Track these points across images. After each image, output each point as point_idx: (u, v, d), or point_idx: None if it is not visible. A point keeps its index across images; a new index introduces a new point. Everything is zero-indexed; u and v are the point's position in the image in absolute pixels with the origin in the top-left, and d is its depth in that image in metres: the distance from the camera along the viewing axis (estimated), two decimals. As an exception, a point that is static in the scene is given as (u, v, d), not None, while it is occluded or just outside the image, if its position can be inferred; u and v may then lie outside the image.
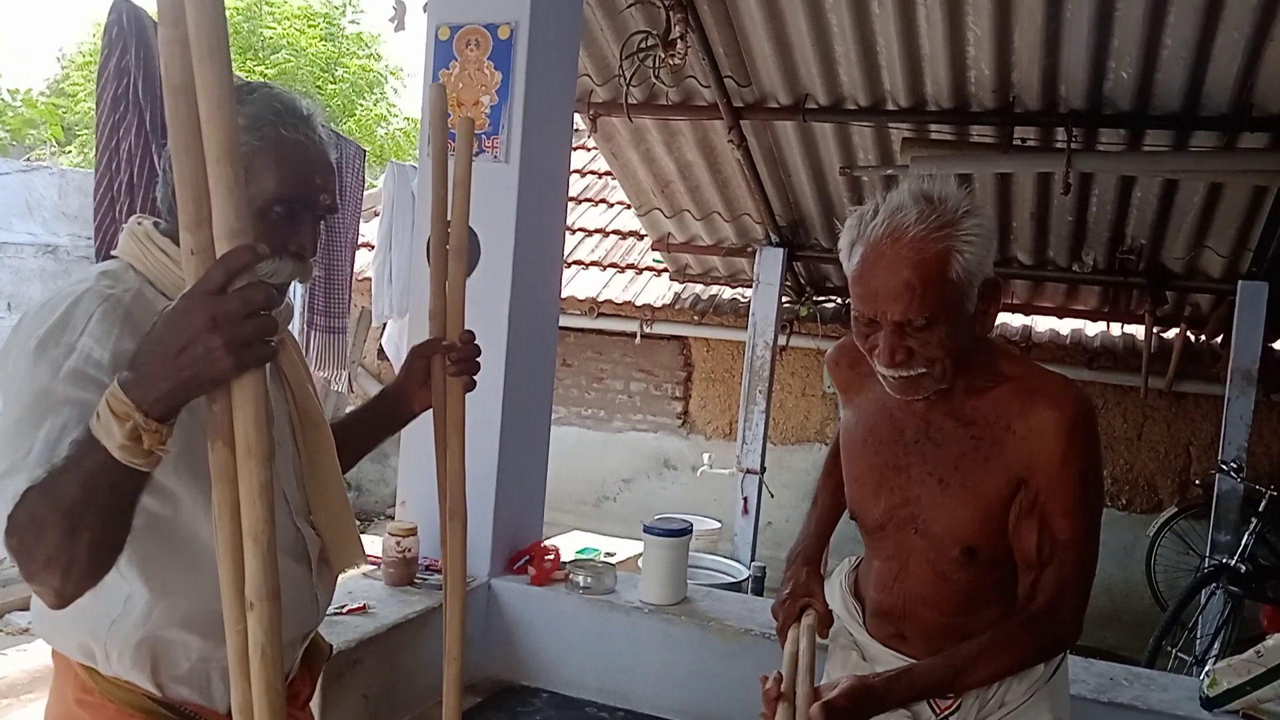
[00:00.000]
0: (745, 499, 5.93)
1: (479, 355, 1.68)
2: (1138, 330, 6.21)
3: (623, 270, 7.37)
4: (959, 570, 1.60)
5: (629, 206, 6.68)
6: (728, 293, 7.04)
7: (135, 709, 1.30)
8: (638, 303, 7.04)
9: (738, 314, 6.82)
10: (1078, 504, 1.52)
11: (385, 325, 5.11)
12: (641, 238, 7.22)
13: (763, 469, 5.95)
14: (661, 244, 6.44)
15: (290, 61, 13.26)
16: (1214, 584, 4.69)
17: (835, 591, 1.82)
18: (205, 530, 1.21)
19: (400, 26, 3.81)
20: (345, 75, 14.31)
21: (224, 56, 0.92)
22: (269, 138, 1.30)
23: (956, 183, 1.53)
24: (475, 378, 1.69)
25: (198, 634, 1.29)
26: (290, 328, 1.55)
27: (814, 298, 6.61)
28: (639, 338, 7.19)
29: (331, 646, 1.70)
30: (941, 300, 1.44)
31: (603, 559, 3.58)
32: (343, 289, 4.60)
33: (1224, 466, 5.29)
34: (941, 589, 1.62)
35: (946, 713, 1.64)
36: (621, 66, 4.39)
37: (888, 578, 1.69)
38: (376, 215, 5.71)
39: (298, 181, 1.32)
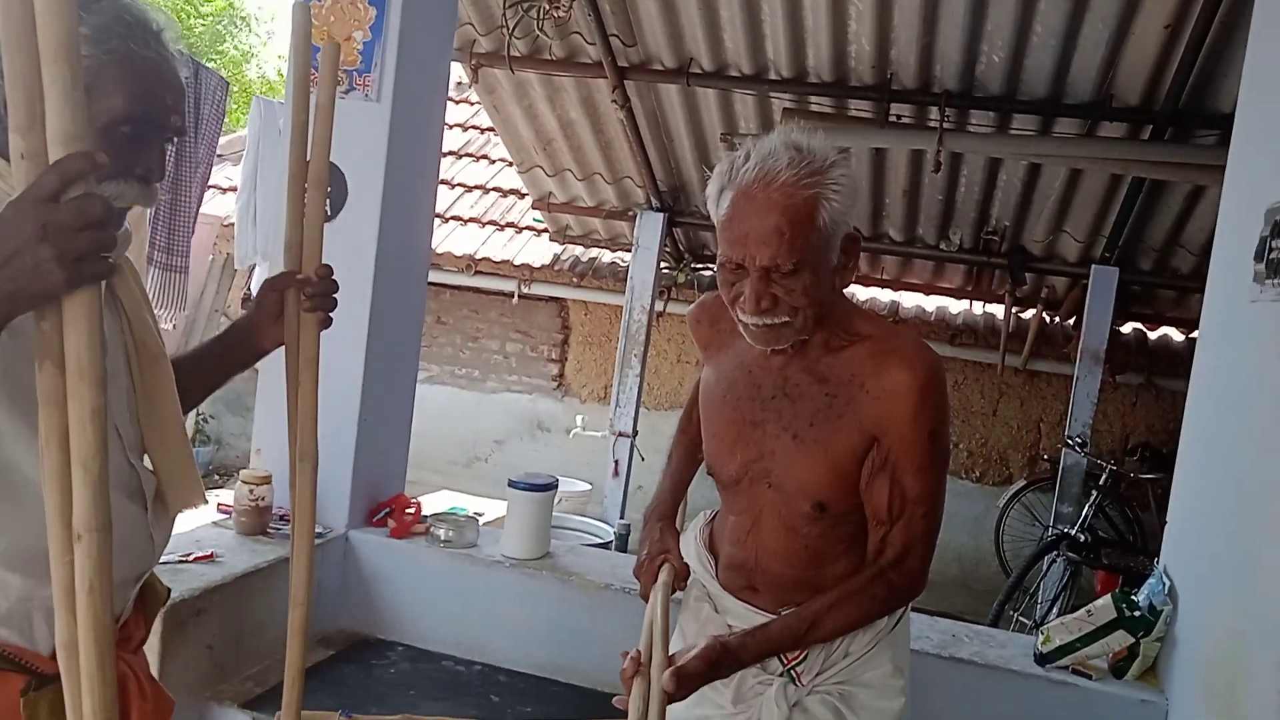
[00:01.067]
0: (616, 462, 5.96)
1: (336, 291, 1.59)
2: (998, 310, 6.46)
3: (502, 229, 7.27)
4: (809, 524, 1.63)
5: (510, 164, 6.59)
6: (607, 256, 7.03)
7: None
8: (516, 262, 6.96)
9: (617, 278, 6.82)
10: (927, 462, 1.56)
11: (253, 269, 4.92)
12: (522, 196, 7.14)
13: (635, 433, 5.99)
14: (542, 204, 6.38)
15: (156, -2, 12.60)
16: (1055, 552, 4.94)
17: (690, 545, 1.83)
18: (27, 462, 1.14)
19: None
20: (210, 11, 13.66)
21: None
22: (117, 51, 1.21)
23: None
24: (333, 316, 1.60)
25: (18, 572, 1.22)
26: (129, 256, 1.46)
27: (692, 265, 6.66)
28: (516, 298, 7.12)
29: (169, 590, 1.63)
30: (808, 247, 1.46)
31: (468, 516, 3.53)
32: (187, 225, 4.36)
33: (1070, 442, 5.57)
34: (792, 543, 1.65)
35: (794, 663, 1.67)
36: (505, 16, 4.31)
37: (741, 532, 1.71)
38: (242, 158, 5.48)
39: (147, 100, 1.24)
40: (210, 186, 5.38)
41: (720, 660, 1.48)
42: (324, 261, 1.57)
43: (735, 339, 1.65)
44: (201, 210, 4.61)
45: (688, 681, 1.43)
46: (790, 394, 1.62)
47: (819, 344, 1.60)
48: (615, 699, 1.46)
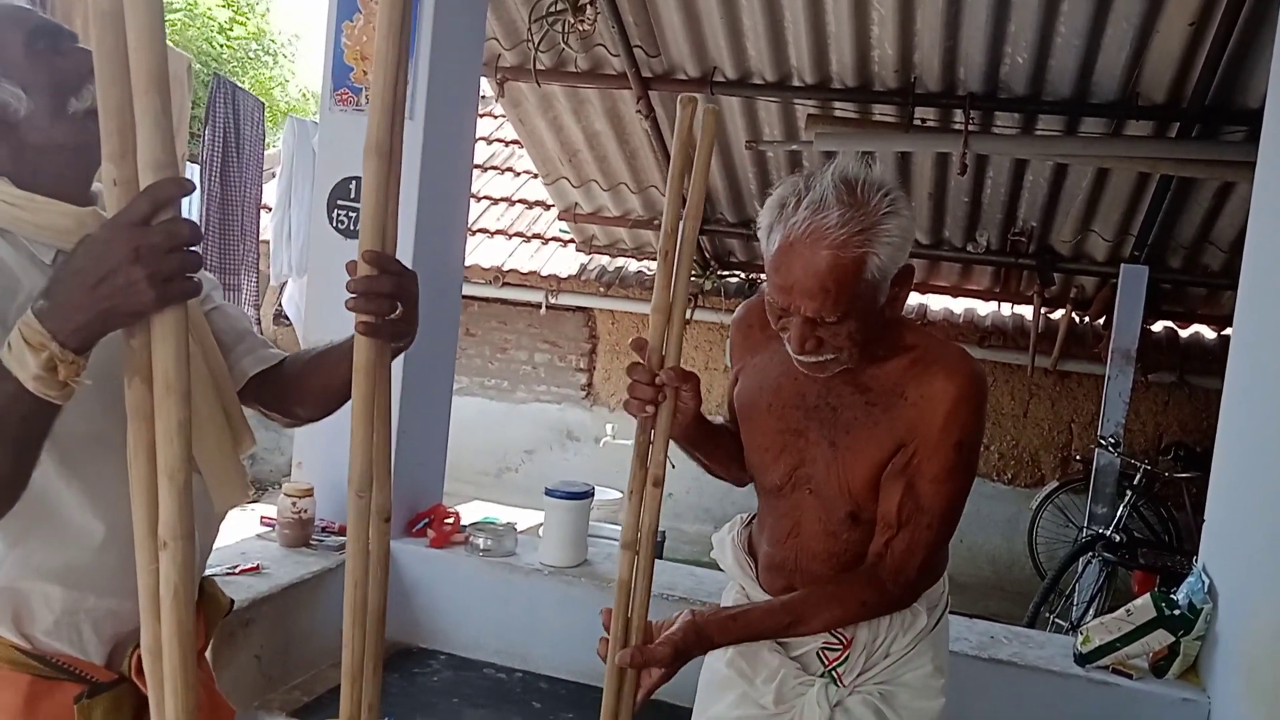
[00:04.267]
0: (647, 469, 5.96)
1: (386, 291, 1.19)
2: (1026, 310, 6.43)
3: (528, 240, 7.32)
4: (848, 530, 1.65)
5: (535, 175, 6.63)
6: (634, 265, 7.06)
7: (3, 661, 1.25)
8: (543, 273, 7.00)
9: (643, 286, 6.85)
10: (948, 472, 1.55)
11: (284, 285, 4.99)
12: (548, 207, 7.18)
13: (665, 440, 5.99)
14: (568, 214, 6.42)
15: (186, 24, 12.75)
16: (1090, 553, 4.91)
17: (727, 547, 1.85)
18: (55, 480, 1.17)
19: (303, -22, 3.70)
20: (242, 36, 13.83)
21: None
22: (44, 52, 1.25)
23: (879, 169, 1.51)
24: (387, 325, 1.20)
25: (59, 584, 1.25)
26: None
27: (719, 272, 6.68)
28: (544, 308, 7.16)
29: (232, 601, 1.66)
30: (854, 299, 1.46)
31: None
32: (239, 243, 4.45)
33: (1102, 442, 5.53)
34: (833, 546, 1.67)
35: (835, 664, 1.69)
36: (530, 31, 4.35)
37: (781, 534, 1.73)
38: (275, 177, 5.56)
39: (27, 20, 1.26)
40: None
41: (691, 644, 1.53)
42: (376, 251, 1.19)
43: (779, 342, 1.67)
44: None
45: (654, 663, 1.50)
46: (833, 403, 1.64)
47: (866, 356, 1.62)
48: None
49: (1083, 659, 2.52)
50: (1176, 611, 2.46)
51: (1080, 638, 2.56)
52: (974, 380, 1.55)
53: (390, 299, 1.19)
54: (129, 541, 1.26)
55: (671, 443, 1.60)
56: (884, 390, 1.59)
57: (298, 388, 1.51)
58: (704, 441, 1.75)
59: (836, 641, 1.67)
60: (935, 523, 1.56)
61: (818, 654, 1.69)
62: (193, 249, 0.98)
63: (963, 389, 1.53)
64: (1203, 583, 2.50)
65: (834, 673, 1.68)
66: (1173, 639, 2.45)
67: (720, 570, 1.92)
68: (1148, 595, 2.53)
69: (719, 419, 1.83)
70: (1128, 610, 2.54)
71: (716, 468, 1.82)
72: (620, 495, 6.23)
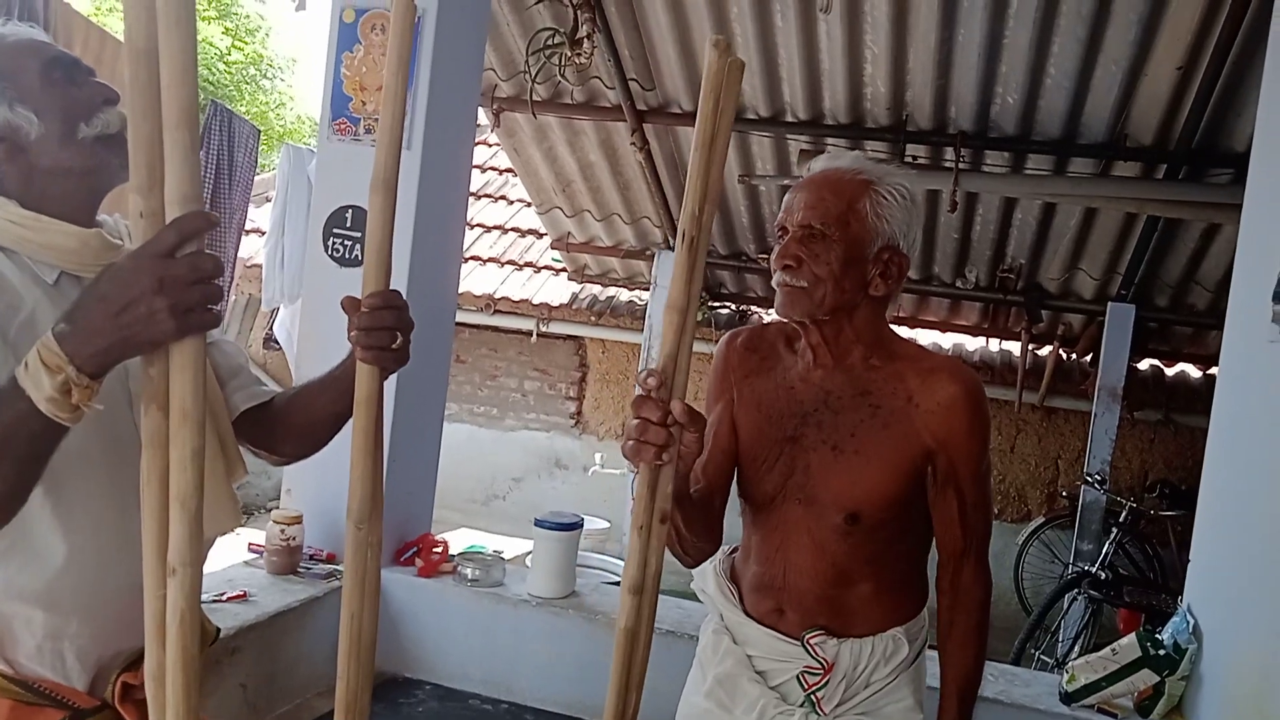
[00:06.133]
0: (635, 499, 5.96)
1: (389, 325, 1.23)
2: (1014, 347, 6.48)
3: (521, 268, 7.35)
4: (836, 541, 1.66)
5: (529, 204, 6.67)
6: (625, 294, 7.09)
7: None
8: (535, 301, 7.02)
9: (634, 316, 6.87)
10: (985, 470, 1.66)
11: (276, 312, 4.99)
12: (541, 236, 7.22)
13: (653, 470, 5.98)
14: (561, 243, 6.45)
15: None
16: (1076, 590, 4.92)
17: (709, 575, 1.85)
18: (35, 504, 1.17)
19: (301, 7, 3.74)
20: (240, 61, 13.91)
21: (190, 25, 0.92)
22: (4, 38, 1.27)
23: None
24: (393, 355, 1.25)
25: (41, 607, 1.25)
26: None
27: (709, 303, 6.70)
28: (535, 336, 7.18)
29: (219, 630, 1.66)
30: (843, 221, 1.55)
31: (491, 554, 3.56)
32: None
33: (1089, 479, 5.56)
34: (819, 560, 1.68)
35: (814, 688, 1.69)
36: (527, 62, 4.40)
37: (769, 549, 1.73)
38: (269, 201, 5.57)
39: (46, 49, 1.29)
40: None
41: None
42: (383, 289, 1.22)
43: (775, 362, 1.70)
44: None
45: None
46: (832, 406, 1.66)
47: (860, 360, 1.64)
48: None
49: (1068, 698, 2.53)
50: (1162, 651, 2.47)
51: (1066, 676, 2.57)
52: (977, 383, 1.64)
53: (393, 332, 1.23)
54: (103, 564, 1.27)
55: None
56: (885, 394, 1.62)
57: (283, 424, 1.52)
58: (683, 498, 1.56)
59: (818, 665, 1.68)
60: (987, 514, 1.68)
61: (798, 678, 1.69)
62: (215, 281, 0.99)
63: (972, 391, 1.61)
64: (1188, 622, 2.51)
65: (814, 697, 1.68)
66: (1158, 679, 2.46)
67: (701, 603, 1.92)
68: (1133, 634, 2.54)
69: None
70: (1113, 649, 2.55)
71: (687, 532, 1.63)
72: (607, 525, 6.23)
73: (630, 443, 1.32)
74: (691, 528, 1.61)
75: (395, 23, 1.13)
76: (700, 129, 1.22)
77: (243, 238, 4.88)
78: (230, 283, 4.50)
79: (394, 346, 1.24)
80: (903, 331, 6.86)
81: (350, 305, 1.23)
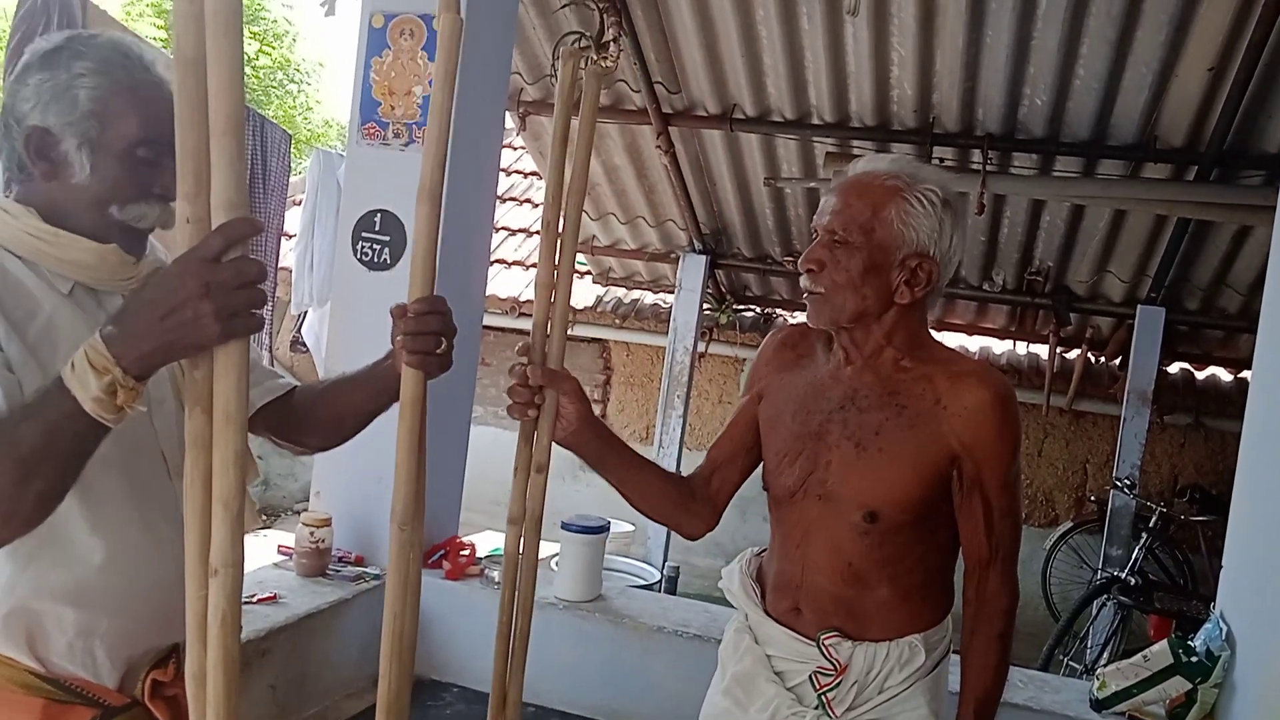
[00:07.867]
0: (660, 502, 5.95)
1: (436, 330, 1.30)
2: (1042, 350, 6.42)
3: (546, 271, 7.34)
4: (854, 540, 1.66)
5: (554, 207, 6.67)
6: (650, 297, 7.09)
7: (17, 685, 1.25)
8: (559, 304, 7.02)
9: (659, 319, 6.87)
10: (1011, 477, 1.63)
11: (305, 314, 5.03)
12: (565, 239, 7.21)
13: (678, 473, 5.97)
14: (585, 246, 6.46)
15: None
16: (1105, 596, 4.87)
17: (735, 576, 1.85)
18: (66, 503, 1.18)
19: (331, 11, 3.77)
20: (267, 65, 14.04)
21: (237, 34, 0.93)
22: (122, 81, 1.28)
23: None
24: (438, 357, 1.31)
25: (71, 605, 1.26)
26: None
27: (734, 306, 6.70)
28: (559, 339, 7.17)
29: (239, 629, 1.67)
30: (867, 228, 1.56)
31: (517, 556, 3.57)
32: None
33: (1118, 483, 5.51)
34: (836, 560, 1.68)
35: (825, 689, 1.68)
36: (553, 66, 4.41)
37: (790, 546, 1.74)
38: (297, 205, 5.61)
39: (158, 123, 1.27)
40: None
41: None
42: (429, 295, 1.28)
43: (811, 359, 1.73)
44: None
45: None
46: (858, 404, 1.66)
47: (890, 360, 1.64)
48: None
49: (1099, 705, 2.51)
50: (1194, 658, 2.45)
51: (1096, 683, 2.55)
52: (1007, 387, 1.63)
53: (438, 337, 1.30)
54: (130, 561, 1.28)
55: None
56: (914, 394, 1.62)
57: (309, 417, 1.56)
58: (608, 458, 1.77)
59: (830, 666, 1.67)
60: (1015, 523, 1.66)
61: (811, 678, 1.69)
62: (259, 286, 1.01)
63: (1002, 396, 1.60)
64: (1221, 629, 2.48)
65: (824, 698, 1.68)
66: (1190, 686, 2.43)
67: (730, 606, 1.93)
68: (1165, 641, 2.52)
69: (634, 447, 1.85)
70: (1145, 656, 2.53)
71: (630, 494, 1.80)
72: (632, 528, 6.22)
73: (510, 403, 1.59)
74: (631, 490, 1.79)
75: (442, 37, 1.15)
76: (555, 128, 1.44)
77: (280, 241, 4.92)
78: (273, 287, 4.55)
79: (439, 351, 1.30)
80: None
81: (398, 311, 1.30)
